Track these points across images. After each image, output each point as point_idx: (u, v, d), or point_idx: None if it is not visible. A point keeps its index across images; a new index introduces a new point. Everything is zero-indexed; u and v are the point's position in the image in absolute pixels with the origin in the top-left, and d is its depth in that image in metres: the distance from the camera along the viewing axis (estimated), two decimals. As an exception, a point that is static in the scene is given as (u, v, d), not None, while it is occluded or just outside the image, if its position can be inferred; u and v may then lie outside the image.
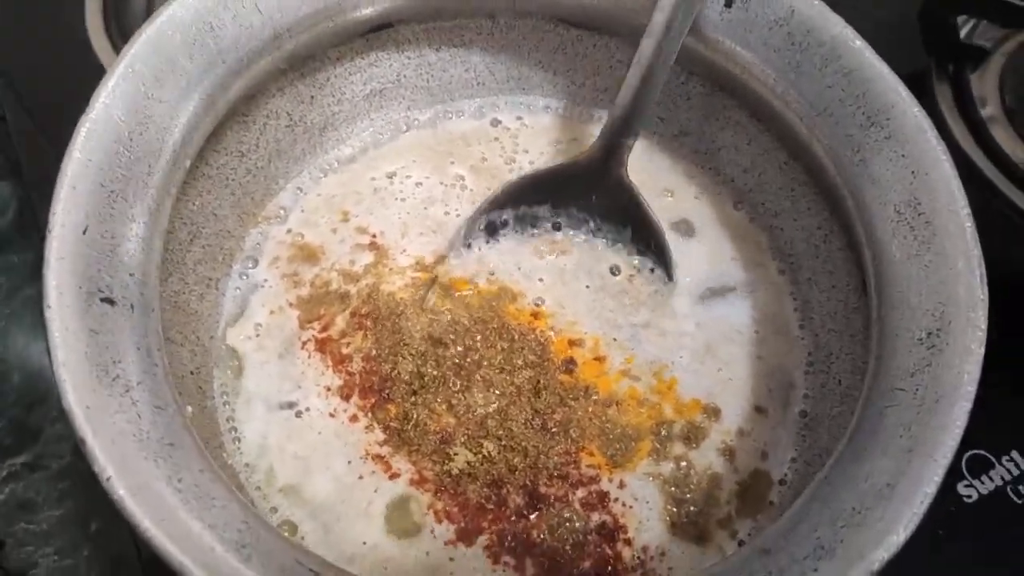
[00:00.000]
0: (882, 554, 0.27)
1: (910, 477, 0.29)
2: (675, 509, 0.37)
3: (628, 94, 0.40)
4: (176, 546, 0.26)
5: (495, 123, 0.47)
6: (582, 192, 0.43)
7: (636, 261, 0.43)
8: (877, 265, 0.35)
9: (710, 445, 0.39)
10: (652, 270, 0.43)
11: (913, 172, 0.35)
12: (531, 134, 0.47)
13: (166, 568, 0.26)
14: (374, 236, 0.43)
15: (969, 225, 0.34)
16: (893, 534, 0.28)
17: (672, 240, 0.43)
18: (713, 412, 0.40)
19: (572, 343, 0.41)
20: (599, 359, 0.41)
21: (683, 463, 0.38)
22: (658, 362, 0.41)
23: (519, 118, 0.47)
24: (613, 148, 0.42)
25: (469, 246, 0.43)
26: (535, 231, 0.43)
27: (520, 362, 0.40)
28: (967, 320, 0.32)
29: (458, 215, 0.44)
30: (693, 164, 0.46)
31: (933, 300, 0.33)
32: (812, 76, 0.38)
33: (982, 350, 0.31)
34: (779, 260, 0.44)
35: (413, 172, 0.45)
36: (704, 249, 0.44)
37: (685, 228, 0.45)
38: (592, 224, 0.43)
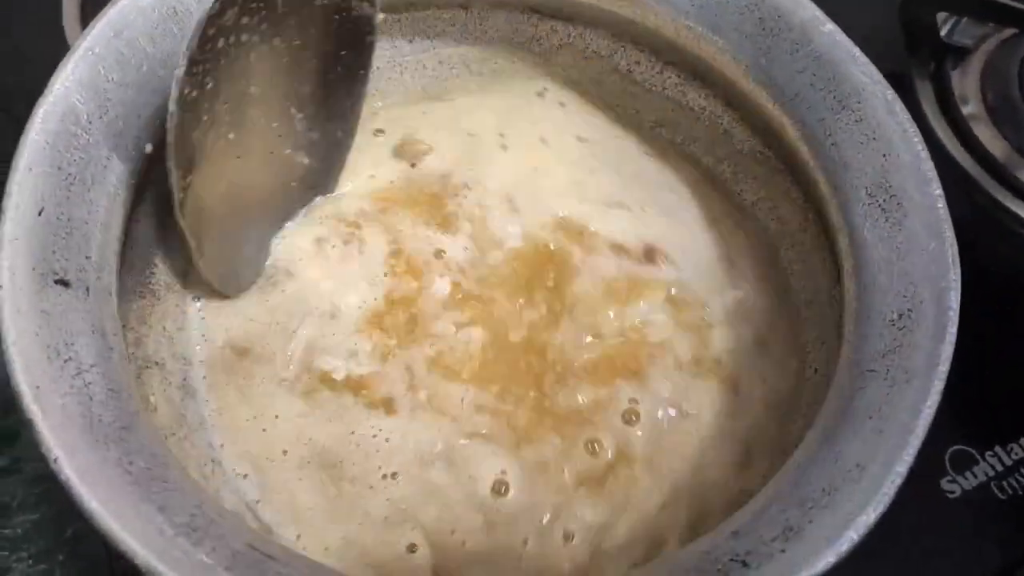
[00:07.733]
0: (851, 535, 0.26)
1: (880, 458, 0.28)
2: None
3: None
4: (124, 527, 0.25)
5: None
6: None
7: None
8: (852, 249, 0.35)
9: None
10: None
11: (884, 154, 0.34)
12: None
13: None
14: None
15: (941, 205, 0.33)
16: (863, 515, 0.27)
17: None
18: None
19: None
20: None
21: None
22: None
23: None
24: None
25: None
26: None
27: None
28: (939, 299, 0.31)
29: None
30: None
31: (904, 281, 0.32)
32: (783, 61, 0.38)
33: (954, 329, 0.31)
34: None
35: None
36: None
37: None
38: None
